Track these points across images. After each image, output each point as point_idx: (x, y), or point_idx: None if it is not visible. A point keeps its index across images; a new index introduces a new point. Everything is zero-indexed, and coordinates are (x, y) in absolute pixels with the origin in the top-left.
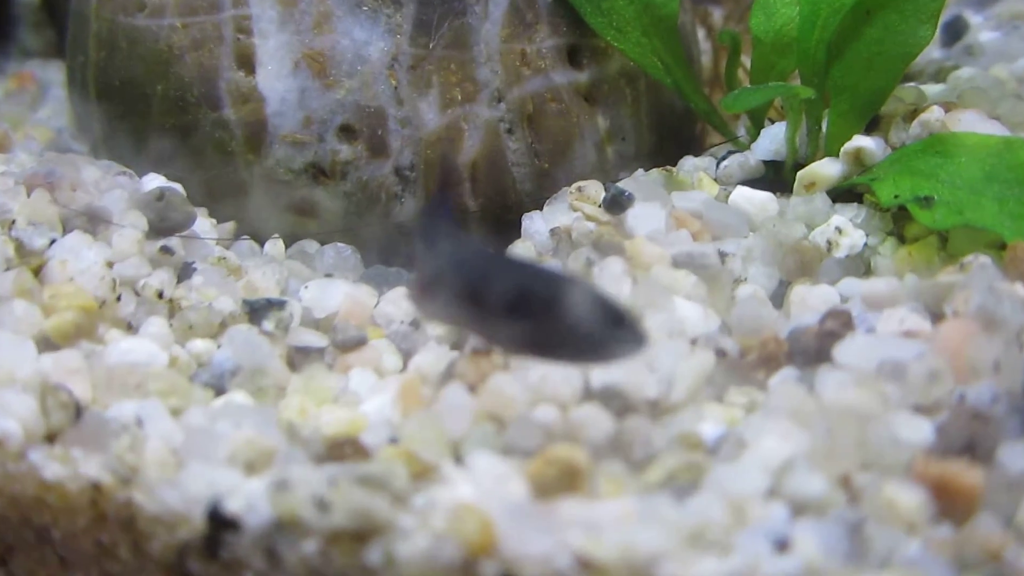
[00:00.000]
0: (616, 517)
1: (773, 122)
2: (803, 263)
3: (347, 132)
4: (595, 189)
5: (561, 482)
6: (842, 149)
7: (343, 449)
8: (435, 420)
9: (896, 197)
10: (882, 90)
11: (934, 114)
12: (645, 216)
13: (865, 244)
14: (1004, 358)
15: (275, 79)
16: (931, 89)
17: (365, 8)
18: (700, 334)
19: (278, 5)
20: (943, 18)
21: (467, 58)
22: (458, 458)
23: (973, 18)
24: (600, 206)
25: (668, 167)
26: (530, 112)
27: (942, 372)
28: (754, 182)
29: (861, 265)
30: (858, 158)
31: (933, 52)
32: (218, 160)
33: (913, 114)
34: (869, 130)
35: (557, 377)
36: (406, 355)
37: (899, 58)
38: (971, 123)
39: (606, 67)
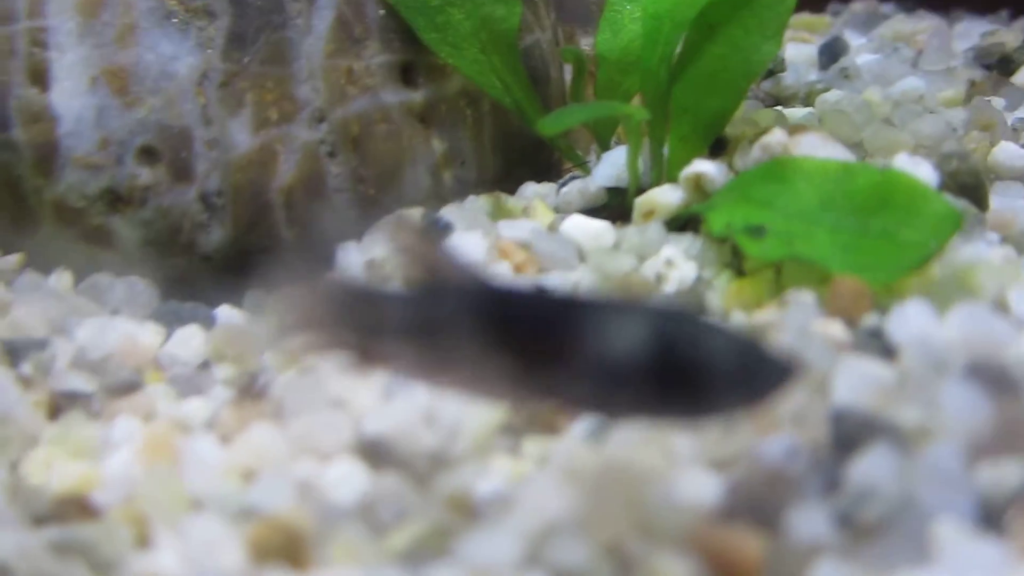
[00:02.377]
0: None
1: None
2: (630, 295)
3: (148, 154)
4: (416, 217)
5: (281, 550)
6: (681, 175)
7: (68, 509)
8: (173, 476)
9: (728, 227)
10: (725, 110)
11: (775, 137)
12: (463, 247)
13: (698, 277)
14: (807, 407)
15: (70, 96)
16: (797, 112)
17: (175, 20)
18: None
19: (78, 16)
20: (823, 39)
21: (285, 75)
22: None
23: (855, 40)
24: None
25: (497, 193)
26: (355, 134)
27: (738, 422)
28: (595, 210)
29: (693, 300)
30: (698, 184)
31: (810, 74)
32: (3, 186)
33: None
34: (715, 154)
35: (324, 426)
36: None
37: (742, 76)
38: (813, 146)
39: (444, 86)
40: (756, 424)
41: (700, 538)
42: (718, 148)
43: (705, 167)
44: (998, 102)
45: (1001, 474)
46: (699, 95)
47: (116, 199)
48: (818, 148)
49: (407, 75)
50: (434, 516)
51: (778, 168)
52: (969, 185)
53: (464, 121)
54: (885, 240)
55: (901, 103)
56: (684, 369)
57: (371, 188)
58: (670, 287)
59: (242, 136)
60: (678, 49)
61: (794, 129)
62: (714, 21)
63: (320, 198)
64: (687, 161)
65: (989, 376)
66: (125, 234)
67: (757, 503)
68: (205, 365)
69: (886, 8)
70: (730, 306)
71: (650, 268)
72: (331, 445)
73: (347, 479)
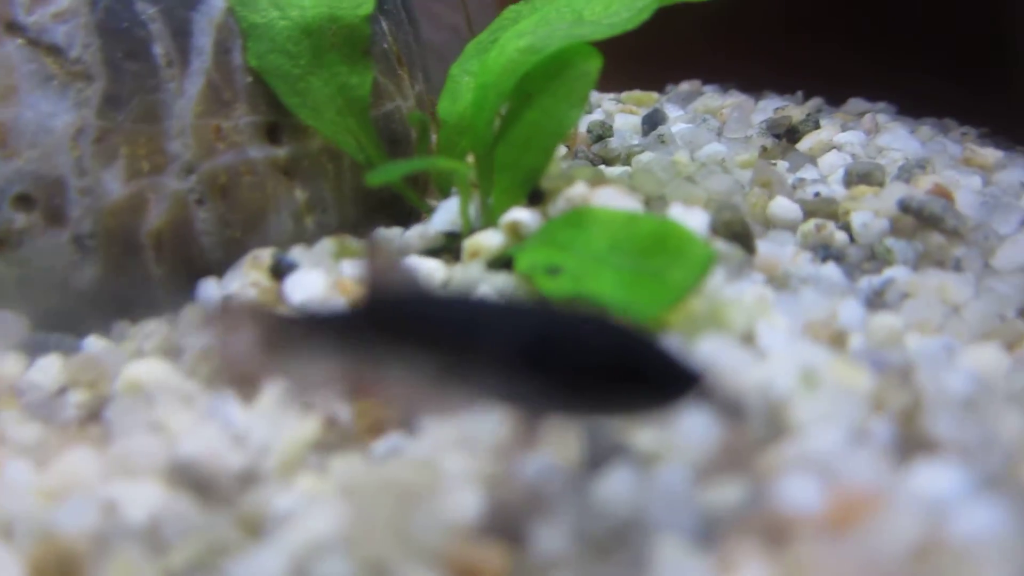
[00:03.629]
0: None
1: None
2: None
3: (23, 201)
4: (269, 257)
5: (58, 569)
6: (500, 221)
7: None
8: None
9: (531, 267)
10: (539, 166)
11: (577, 189)
12: (304, 283)
13: None
14: (566, 427)
15: None
16: (615, 170)
17: (54, 83)
18: (318, 401)
19: None
20: (645, 110)
21: (157, 131)
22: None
23: (674, 112)
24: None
25: (343, 236)
26: (223, 184)
27: (505, 444)
28: (436, 251)
29: None
30: (515, 230)
31: (633, 139)
32: None
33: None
34: (534, 203)
35: (139, 449)
36: (43, 424)
37: (552, 136)
38: (609, 198)
39: (307, 144)
40: (521, 442)
41: (452, 553)
42: (536, 198)
43: (521, 215)
44: (783, 164)
45: (722, 494)
46: (517, 154)
47: None
48: (613, 199)
49: (272, 134)
50: (215, 535)
51: (577, 216)
52: (738, 233)
53: (325, 174)
54: (655, 279)
55: (705, 164)
56: (599, 370)
57: (237, 231)
58: None
59: (114, 185)
60: (503, 113)
61: (594, 183)
62: (530, 91)
63: (188, 240)
64: (508, 209)
65: (723, 403)
66: (2, 272)
67: (510, 520)
68: (61, 391)
69: (707, 88)
70: None
71: None
72: (144, 467)
73: (145, 500)
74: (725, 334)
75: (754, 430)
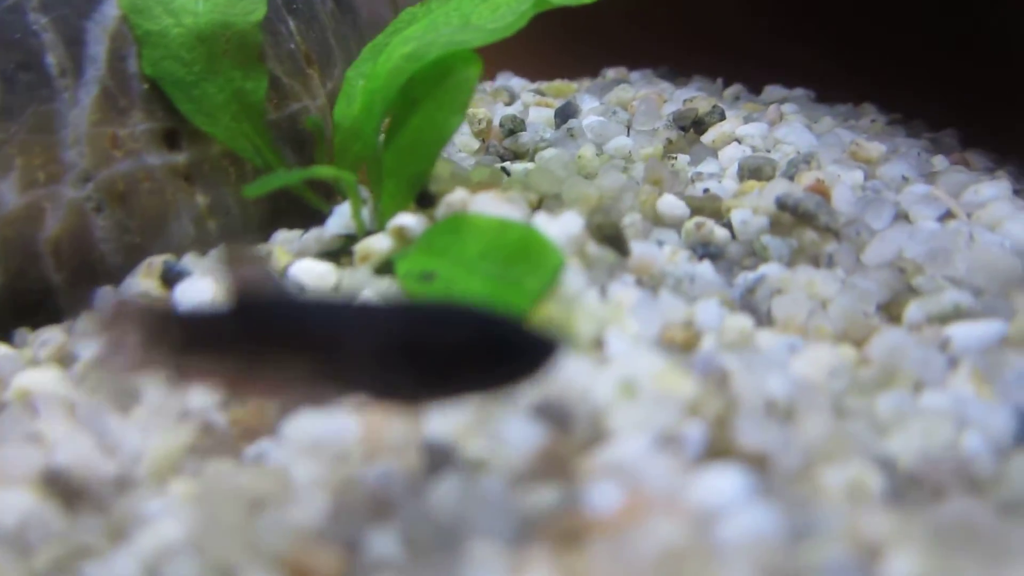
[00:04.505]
0: None
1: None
2: None
3: None
4: (160, 264)
5: None
6: (387, 226)
7: None
8: None
9: (407, 273)
10: (422, 172)
11: (457, 195)
12: (192, 290)
13: None
14: (409, 438)
15: None
16: (519, 167)
17: None
18: (197, 407)
19: None
20: (558, 103)
21: (52, 141)
22: None
23: (588, 104)
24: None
25: (234, 244)
26: (121, 191)
27: (351, 451)
28: (333, 253)
29: None
30: (401, 234)
31: (545, 133)
32: None
33: (473, 191)
34: (424, 206)
35: (15, 458)
36: None
37: (435, 143)
38: (486, 204)
39: (207, 149)
40: (367, 449)
41: (291, 557)
42: (427, 201)
43: (406, 220)
44: (683, 159)
45: (538, 498)
46: (402, 159)
47: None
48: (489, 206)
49: (171, 140)
50: (77, 540)
51: (455, 223)
52: (610, 236)
53: (228, 178)
54: (515, 286)
55: (612, 158)
56: (465, 352)
57: (137, 237)
58: None
59: (10, 195)
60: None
61: (476, 188)
62: (415, 96)
63: (86, 247)
64: (396, 214)
65: (550, 412)
66: None
67: (350, 525)
68: None
69: (635, 75)
70: None
71: None
72: (17, 475)
73: (15, 506)
74: (574, 341)
75: (577, 437)
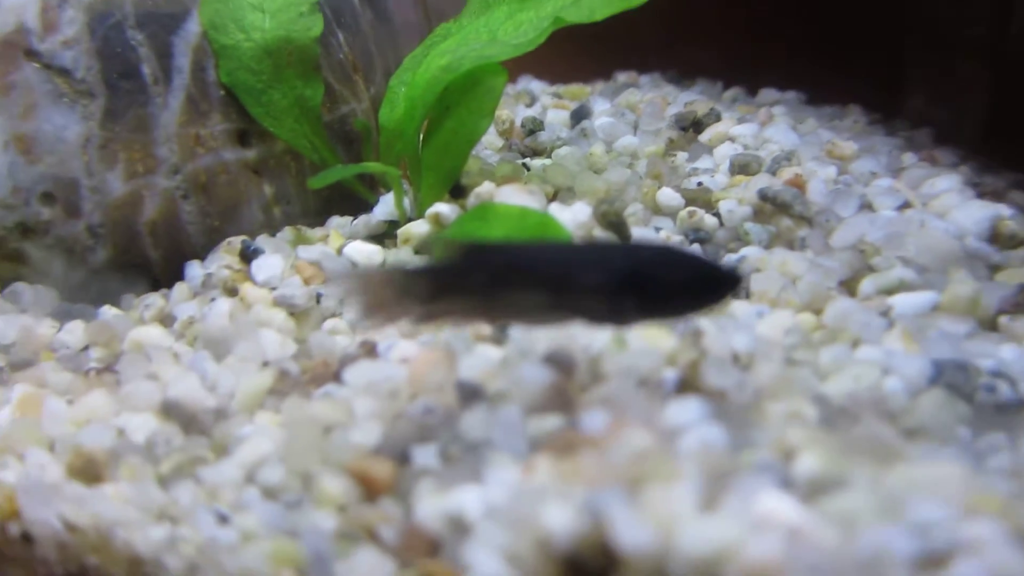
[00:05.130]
0: (108, 496)
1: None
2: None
3: (47, 198)
4: (239, 243)
5: (86, 470)
6: (426, 213)
7: None
8: (34, 424)
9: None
10: (456, 167)
11: (484, 188)
12: (267, 266)
13: None
14: (446, 380)
15: None
16: (537, 163)
17: (65, 99)
18: (274, 358)
19: None
20: (573, 105)
21: (148, 139)
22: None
23: (601, 106)
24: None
25: (299, 227)
26: (203, 182)
27: (400, 390)
28: (379, 236)
29: None
30: (438, 220)
31: (561, 132)
32: None
33: (498, 185)
34: (457, 196)
35: (140, 392)
36: (73, 373)
37: (467, 142)
38: (509, 195)
39: (273, 146)
40: (413, 389)
41: (356, 466)
42: (459, 192)
43: (441, 208)
44: (682, 156)
45: (544, 423)
46: (439, 156)
47: (26, 230)
48: (512, 196)
49: (243, 138)
50: (192, 452)
51: (483, 210)
52: (613, 222)
53: (289, 171)
54: None
55: (620, 155)
56: (668, 283)
57: (216, 221)
58: None
59: (116, 184)
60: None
61: (501, 181)
62: (449, 103)
63: (176, 229)
64: (432, 204)
65: (558, 359)
66: (35, 255)
67: (399, 445)
68: (85, 349)
69: (644, 78)
70: None
71: None
72: (143, 405)
73: (144, 427)
74: None
75: (578, 379)
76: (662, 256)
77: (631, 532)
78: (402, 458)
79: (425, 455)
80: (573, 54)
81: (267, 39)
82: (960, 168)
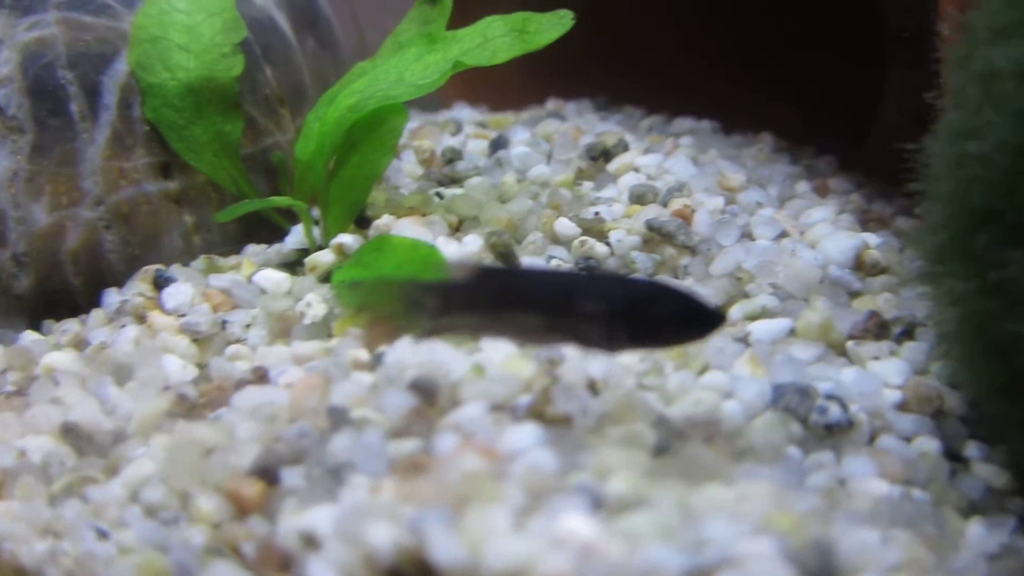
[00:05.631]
0: (1, 512)
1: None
2: (284, 328)
3: None
4: (153, 272)
5: None
6: (330, 243)
7: None
8: None
9: (339, 281)
10: (359, 200)
11: (383, 220)
12: (177, 293)
13: (328, 313)
14: (320, 405)
15: None
16: (450, 192)
17: None
18: (175, 382)
19: None
20: (491, 135)
21: (74, 173)
22: None
23: (521, 135)
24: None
25: (211, 256)
26: (125, 212)
27: (280, 414)
28: (289, 265)
29: (325, 330)
30: (341, 250)
31: (479, 161)
32: None
33: (397, 216)
34: (362, 227)
35: (44, 414)
36: None
37: (369, 177)
38: (404, 228)
39: (194, 178)
40: (292, 413)
41: (229, 487)
42: (365, 223)
43: (345, 239)
44: (589, 185)
45: (403, 446)
46: (344, 190)
47: None
48: (407, 229)
49: (166, 171)
50: (83, 472)
51: (379, 242)
52: (503, 252)
53: (210, 201)
54: None
55: (532, 184)
56: (658, 317)
57: (137, 250)
58: (307, 320)
59: (41, 215)
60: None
61: (407, 212)
62: (355, 140)
63: (98, 257)
64: (337, 234)
65: (422, 386)
66: None
67: (274, 465)
68: (3, 372)
69: (570, 107)
70: (339, 331)
71: (299, 307)
72: (45, 427)
73: (42, 448)
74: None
75: (439, 404)
76: (656, 291)
77: (445, 549)
78: (274, 479)
79: (293, 476)
80: (513, 80)
81: (191, 78)
82: (852, 196)
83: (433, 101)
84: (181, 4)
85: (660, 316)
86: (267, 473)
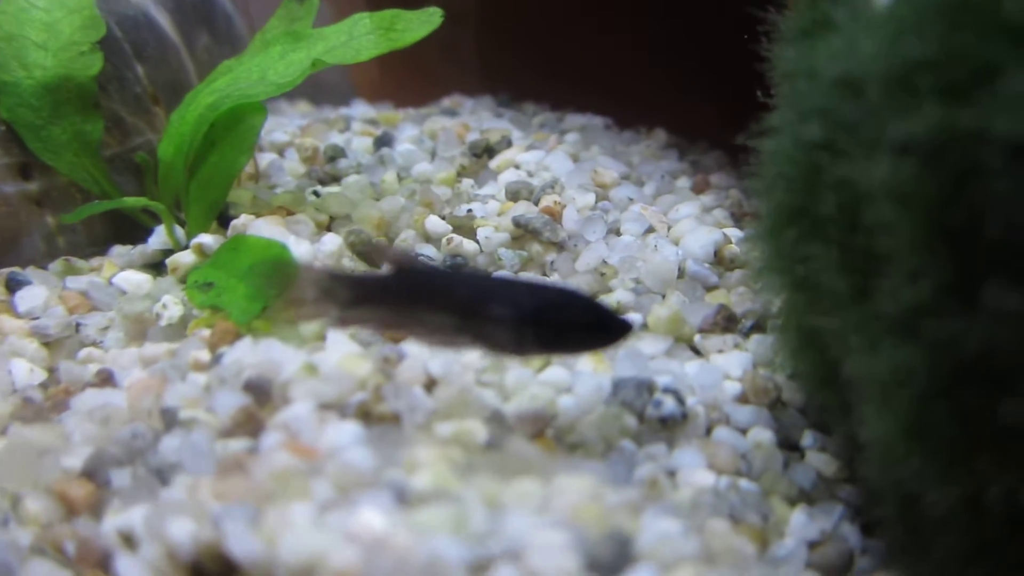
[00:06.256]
0: None
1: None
2: (141, 330)
3: None
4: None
5: None
6: (190, 244)
7: None
8: None
9: (192, 283)
10: (218, 200)
11: (240, 220)
12: (30, 296)
13: (184, 314)
14: (154, 406)
15: None
16: (325, 189)
17: None
18: (21, 386)
19: None
20: (378, 132)
21: None
22: None
23: (408, 132)
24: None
25: (67, 258)
26: None
27: (115, 416)
28: (154, 265)
29: (183, 332)
30: (201, 250)
31: (362, 159)
32: None
33: (259, 215)
34: (224, 226)
35: None
36: None
37: (228, 176)
38: (260, 228)
39: (56, 179)
40: (129, 414)
41: (59, 488)
42: (227, 222)
43: (205, 239)
44: (468, 182)
45: (231, 446)
46: (202, 190)
47: None
48: (264, 229)
49: (25, 171)
50: None
51: (235, 242)
52: (361, 251)
53: (75, 202)
54: (262, 294)
55: (415, 182)
56: (566, 324)
57: None
58: (163, 323)
59: None
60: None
61: (274, 211)
62: (214, 139)
63: None
64: (198, 234)
65: (255, 385)
66: None
67: (105, 466)
68: None
69: (468, 103)
70: (176, 335)
71: (155, 309)
72: None
73: None
74: (299, 335)
75: (272, 403)
76: (565, 299)
77: (242, 543)
78: (104, 480)
79: (122, 477)
80: (434, 75)
81: (48, 76)
82: (731, 191)
83: (348, 97)
84: (40, 1)
85: (567, 323)
86: (97, 474)
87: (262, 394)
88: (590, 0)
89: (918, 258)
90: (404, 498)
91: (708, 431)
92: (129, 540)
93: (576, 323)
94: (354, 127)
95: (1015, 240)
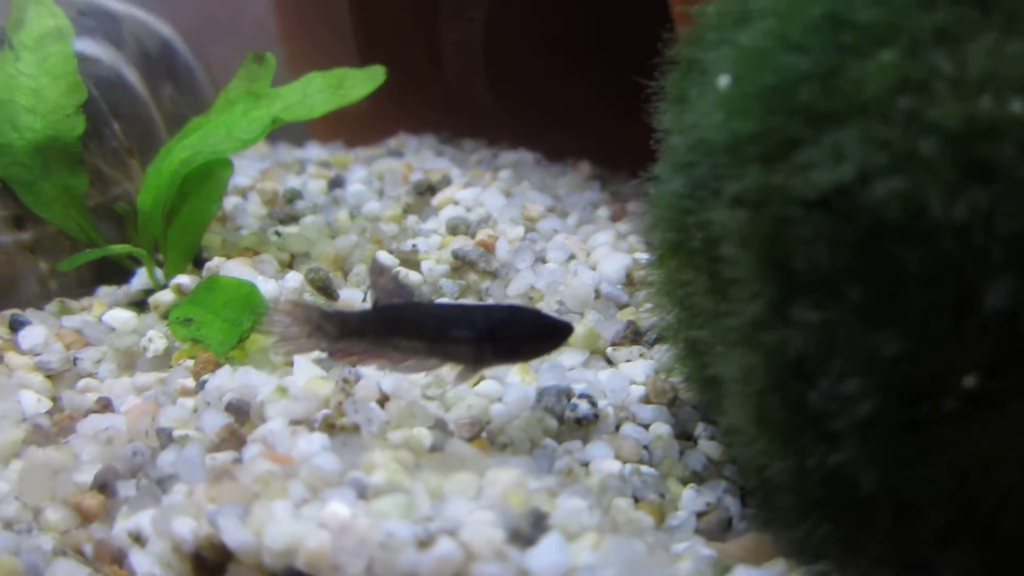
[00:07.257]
0: None
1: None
2: (130, 361)
3: None
4: (8, 316)
5: None
6: (169, 284)
7: None
8: None
9: (173, 319)
10: (193, 244)
11: (214, 262)
12: (31, 335)
13: (167, 347)
14: (151, 427)
15: None
16: (285, 229)
17: None
18: (30, 414)
19: None
20: (331, 174)
21: None
22: None
23: (358, 173)
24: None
25: (62, 300)
26: None
27: (117, 437)
28: (138, 304)
29: (167, 361)
30: (179, 290)
31: (317, 200)
32: None
33: (229, 257)
34: (199, 268)
35: None
36: None
37: (200, 224)
38: (232, 269)
39: (47, 228)
40: (129, 435)
41: (74, 500)
42: (201, 265)
43: (183, 279)
44: (413, 219)
45: (219, 458)
46: (178, 236)
47: None
48: (234, 270)
49: (19, 223)
50: None
51: (210, 282)
52: (321, 286)
53: (64, 248)
54: (237, 326)
55: (366, 220)
56: (516, 335)
57: None
58: (149, 354)
59: None
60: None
61: (240, 252)
62: (188, 190)
63: None
64: (175, 276)
65: (235, 406)
66: None
67: (112, 480)
68: None
69: (411, 142)
70: (177, 360)
71: (142, 342)
72: None
73: None
74: (271, 362)
75: (251, 421)
76: (513, 315)
77: (234, 535)
78: (112, 491)
79: (127, 488)
80: (378, 118)
81: (38, 138)
82: (644, 217)
83: (303, 136)
84: (28, 68)
85: (517, 335)
86: (105, 487)
87: (242, 414)
88: (522, 36)
89: (756, 283)
90: (364, 493)
91: (617, 428)
92: (139, 539)
93: (524, 334)
94: (309, 170)
95: (814, 271)
